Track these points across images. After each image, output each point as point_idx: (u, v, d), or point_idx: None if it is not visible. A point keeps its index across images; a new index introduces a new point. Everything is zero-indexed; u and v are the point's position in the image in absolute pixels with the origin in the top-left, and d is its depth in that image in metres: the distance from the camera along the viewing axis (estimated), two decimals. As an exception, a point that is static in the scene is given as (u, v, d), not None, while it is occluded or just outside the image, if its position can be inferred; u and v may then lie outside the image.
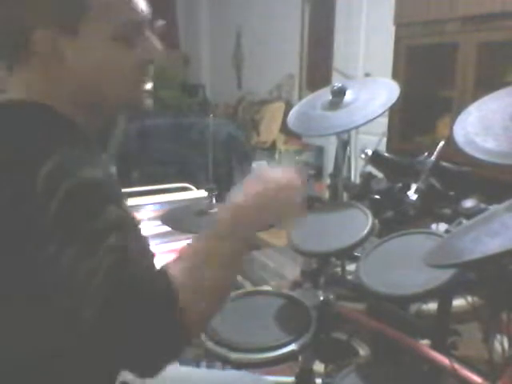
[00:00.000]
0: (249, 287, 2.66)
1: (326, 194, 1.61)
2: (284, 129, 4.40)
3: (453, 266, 0.87)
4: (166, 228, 1.67)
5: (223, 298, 0.69)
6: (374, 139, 1.65)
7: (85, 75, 0.70)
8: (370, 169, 1.45)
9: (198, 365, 1.65)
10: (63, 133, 0.68)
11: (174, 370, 1.07)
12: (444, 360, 1.03)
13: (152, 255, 0.65)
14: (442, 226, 1.20)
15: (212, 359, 1.57)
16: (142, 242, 0.65)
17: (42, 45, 0.67)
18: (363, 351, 1.64)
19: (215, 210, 1.57)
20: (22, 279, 0.61)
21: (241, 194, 0.72)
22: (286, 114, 4.12)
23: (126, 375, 0.84)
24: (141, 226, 0.68)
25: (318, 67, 4.35)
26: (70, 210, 0.58)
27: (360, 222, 1.18)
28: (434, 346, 1.12)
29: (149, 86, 0.80)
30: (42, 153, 0.61)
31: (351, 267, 1.34)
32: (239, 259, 0.68)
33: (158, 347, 0.60)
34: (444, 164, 1.29)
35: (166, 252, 2.32)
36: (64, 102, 0.70)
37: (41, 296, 0.61)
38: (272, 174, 0.74)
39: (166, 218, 1.67)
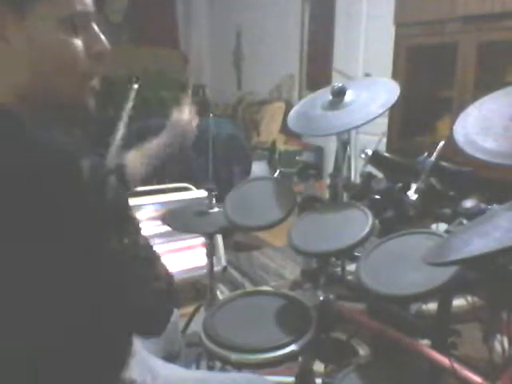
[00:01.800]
0: (249, 287, 2.66)
1: (326, 194, 1.61)
2: (284, 129, 4.40)
3: (442, 265, 0.87)
4: (166, 228, 1.67)
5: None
6: (373, 139, 1.65)
7: (29, 62, 0.68)
8: (370, 169, 1.45)
9: (198, 365, 1.65)
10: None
11: (187, 373, 1.08)
12: (444, 360, 1.03)
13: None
14: (442, 226, 1.20)
15: (212, 359, 1.58)
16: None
17: None
18: (363, 351, 1.64)
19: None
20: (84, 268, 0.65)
21: None
22: (286, 114, 4.13)
23: (133, 372, 0.84)
24: None
25: (318, 67, 4.35)
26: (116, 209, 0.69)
27: (360, 222, 1.18)
28: (434, 346, 1.12)
29: (95, 83, 0.76)
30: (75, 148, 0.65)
31: (351, 267, 1.34)
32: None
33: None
34: (444, 164, 1.29)
35: (166, 252, 2.32)
36: (8, 94, 0.68)
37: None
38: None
39: (166, 218, 1.67)
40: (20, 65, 0.67)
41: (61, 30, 0.68)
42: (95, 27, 0.74)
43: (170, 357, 1.19)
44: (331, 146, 3.84)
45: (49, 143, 0.64)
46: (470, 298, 1.10)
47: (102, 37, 0.74)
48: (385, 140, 2.64)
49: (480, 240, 0.70)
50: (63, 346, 0.68)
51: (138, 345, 0.97)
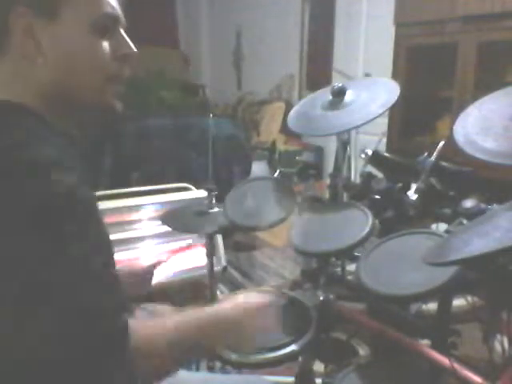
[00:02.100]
0: (249, 287, 2.66)
1: (326, 194, 1.61)
2: (284, 129, 4.40)
3: (442, 265, 0.87)
4: (166, 228, 1.67)
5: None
6: (373, 139, 1.65)
7: (59, 66, 0.68)
8: (370, 169, 1.45)
9: (198, 365, 1.65)
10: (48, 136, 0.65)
11: (188, 374, 1.07)
12: (444, 360, 1.03)
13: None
14: (442, 226, 1.20)
15: (212, 359, 1.58)
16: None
17: (19, 26, 0.65)
18: (363, 351, 1.64)
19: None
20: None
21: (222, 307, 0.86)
22: (286, 114, 4.13)
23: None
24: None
25: (318, 67, 4.35)
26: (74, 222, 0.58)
27: (360, 222, 1.18)
28: (434, 346, 1.12)
29: (121, 87, 0.77)
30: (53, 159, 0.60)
31: (351, 267, 1.34)
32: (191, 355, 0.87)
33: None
34: (444, 164, 1.29)
35: (166, 252, 2.32)
36: (34, 97, 0.68)
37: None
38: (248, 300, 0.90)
39: (166, 218, 1.67)
40: (47, 65, 0.67)
41: (89, 33, 0.69)
42: (122, 30, 0.75)
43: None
44: (331, 146, 3.84)
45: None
46: (470, 298, 1.10)
47: (128, 40, 0.75)
48: (385, 140, 2.64)
49: (480, 240, 0.70)
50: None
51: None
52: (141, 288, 1.19)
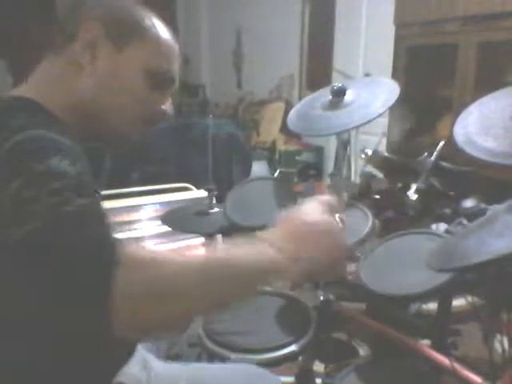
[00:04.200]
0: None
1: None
2: (284, 129, 4.40)
3: (459, 270, 0.87)
4: (166, 228, 1.67)
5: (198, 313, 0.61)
6: (373, 139, 1.65)
7: (101, 86, 0.73)
8: (370, 169, 1.45)
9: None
10: (46, 122, 0.66)
11: (184, 367, 1.07)
12: (444, 360, 1.03)
13: (109, 226, 0.56)
14: (442, 226, 1.19)
15: (212, 359, 1.58)
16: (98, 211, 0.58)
17: (87, 36, 0.71)
18: (363, 351, 1.64)
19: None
20: None
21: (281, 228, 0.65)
22: (286, 114, 4.13)
23: (122, 376, 0.84)
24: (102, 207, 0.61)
25: (318, 67, 4.35)
26: (19, 151, 0.56)
27: (360, 221, 1.18)
28: (434, 346, 1.12)
29: (148, 130, 0.83)
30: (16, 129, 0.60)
31: (351, 267, 1.33)
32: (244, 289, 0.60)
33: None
34: (444, 164, 1.29)
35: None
36: (63, 102, 0.72)
37: None
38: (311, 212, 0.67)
39: (165, 218, 1.67)
40: (92, 79, 0.73)
41: (142, 76, 0.75)
42: (169, 95, 0.82)
43: (171, 358, 1.19)
44: (331, 146, 3.85)
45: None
46: (470, 298, 1.10)
47: (171, 104, 0.82)
48: (385, 140, 2.64)
49: (497, 240, 0.69)
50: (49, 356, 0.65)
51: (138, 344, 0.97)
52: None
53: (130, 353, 0.87)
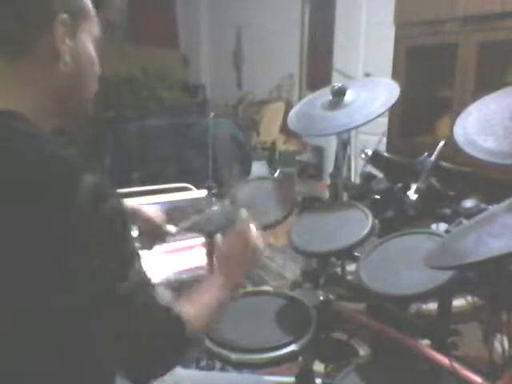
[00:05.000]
0: (249, 287, 2.66)
1: (326, 194, 1.61)
2: (284, 129, 4.40)
3: (456, 268, 0.87)
4: (166, 228, 1.67)
5: (214, 322, 0.88)
6: (373, 139, 1.65)
7: (75, 73, 0.72)
8: (370, 169, 1.45)
9: (198, 365, 1.65)
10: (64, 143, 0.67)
11: (185, 373, 1.07)
12: (444, 360, 1.03)
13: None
14: (442, 226, 1.19)
15: (212, 359, 1.58)
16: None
17: (59, 32, 0.68)
18: (363, 351, 1.63)
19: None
20: (59, 289, 0.63)
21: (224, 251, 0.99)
22: (286, 114, 4.13)
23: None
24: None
25: (318, 67, 4.35)
26: (110, 231, 0.64)
27: (360, 221, 1.18)
28: (434, 346, 1.12)
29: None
30: (72, 168, 0.63)
31: (351, 267, 1.33)
32: (227, 300, 0.90)
33: (165, 357, 0.74)
34: (444, 164, 1.29)
35: (165, 252, 2.32)
36: (42, 108, 0.70)
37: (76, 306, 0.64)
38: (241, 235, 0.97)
39: (166, 218, 1.67)
40: (69, 72, 0.71)
41: (92, 44, 0.76)
42: None
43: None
44: (331, 146, 3.84)
45: (53, 153, 0.64)
46: (470, 298, 1.10)
47: None
48: (385, 140, 2.64)
49: (495, 241, 0.70)
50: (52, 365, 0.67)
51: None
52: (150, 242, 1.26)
53: None
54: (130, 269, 0.67)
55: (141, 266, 0.70)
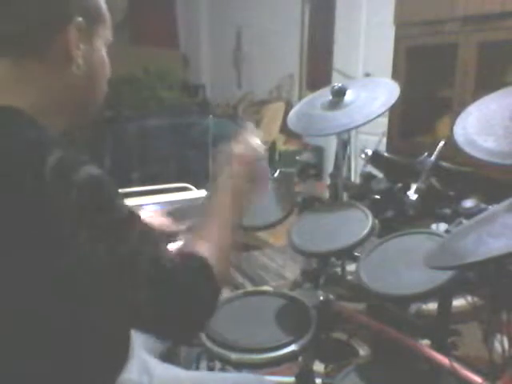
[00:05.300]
0: (249, 287, 2.66)
1: (326, 194, 1.61)
2: (284, 129, 4.40)
3: (455, 268, 0.87)
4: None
5: (231, 254, 0.83)
6: (373, 139, 1.65)
7: (88, 76, 0.73)
8: (370, 169, 1.45)
9: (198, 365, 1.65)
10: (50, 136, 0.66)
11: (185, 374, 1.07)
12: (444, 360, 1.03)
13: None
14: (442, 226, 1.19)
15: (212, 359, 1.58)
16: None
17: (73, 36, 0.68)
18: (363, 351, 1.64)
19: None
20: (52, 269, 0.61)
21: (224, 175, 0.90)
22: (286, 114, 4.13)
23: (131, 373, 0.84)
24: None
25: (318, 67, 4.35)
26: (89, 202, 0.61)
27: (360, 221, 1.18)
28: (434, 346, 1.12)
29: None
30: (42, 151, 0.60)
31: (351, 267, 1.33)
32: (238, 224, 0.87)
33: (202, 307, 0.71)
34: (444, 164, 1.29)
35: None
36: (50, 109, 0.70)
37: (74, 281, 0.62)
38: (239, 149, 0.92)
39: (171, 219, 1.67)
40: (82, 74, 0.72)
41: (104, 51, 0.76)
42: None
43: (169, 356, 1.19)
44: (331, 146, 3.84)
45: (17, 133, 0.62)
46: (470, 298, 1.10)
47: None
48: (385, 140, 2.64)
49: (495, 241, 0.70)
50: (57, 351, 0.67)
51: (137, 344, 0.97)
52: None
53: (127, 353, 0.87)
54: (128, 231, 0.64)
55: (142, 227, 0.67)
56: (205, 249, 0.75)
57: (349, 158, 2.44)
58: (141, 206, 2.31)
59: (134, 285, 0.63)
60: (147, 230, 0.68)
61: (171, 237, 1.29)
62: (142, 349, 1.02)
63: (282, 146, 4.43)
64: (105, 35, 0.75)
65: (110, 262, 0.61)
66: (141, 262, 0.63)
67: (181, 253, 0.74)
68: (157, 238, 0.70)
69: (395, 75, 2.66)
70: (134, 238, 0.64)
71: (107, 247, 0.61)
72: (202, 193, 2.10)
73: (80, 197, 0.59)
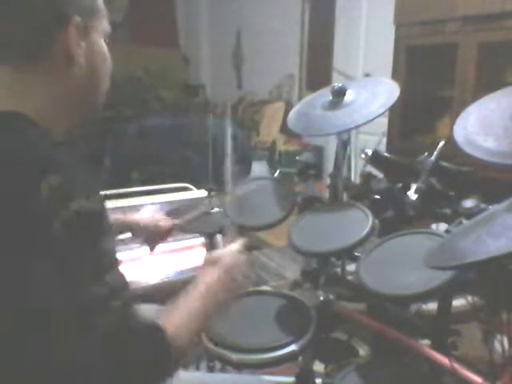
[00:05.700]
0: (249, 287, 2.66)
1: (326, 194, 1.61)
2: (284, 129, 4.40)
3: (455, 268, 0.87)
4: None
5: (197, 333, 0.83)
6: (373, 139, 1.65)
7: (87, 81, 0.73)
8: (370, 169, 1.45)
9: (198, 365, 1.65)
10: (51, 147, 0.65)
11: (185, 375, 1.07)
12: (444, 360, 1.03)
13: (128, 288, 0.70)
14: (442, 226, 1.19)
15: (212, 360, 1.58)
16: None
17: (72, 35, 0.67)
18: (363, 351, 1.64)
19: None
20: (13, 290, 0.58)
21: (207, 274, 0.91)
22: (286, 114, 4.13)
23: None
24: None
25: (318, 67, 4.35)
26: (70, 239, 0.59)
27: (360, 221, 1.18)
28: (434, 346, 1.12)
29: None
30: (38, 174, 0.59)
31: (351, 267, 1.34)
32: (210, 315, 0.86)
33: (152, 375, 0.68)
34: (444, 164, 1.29)
35: (165, 252, 2.32)
36: (55, 112, 0.70)
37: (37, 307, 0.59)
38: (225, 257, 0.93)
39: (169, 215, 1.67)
40: (84, 73, 0.71)
41: (103, 43, 0.75)
42: None
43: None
44: (331, 146, 3.84)
45: (17, 141, 0.61)
46: (470, 298, 1.10)
47: None
48: (385, 140, 2.64)
49: (495, 241, 0.70)
50: None
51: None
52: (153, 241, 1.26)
53: None
54: (100, 278, 0.60)
55: (116, 276, 0.64)
56: (173, 322, 0.73)
57: (349, 158, 2.43)
58: (141, 205, 2.32)
59: (84, 336, 0.59)
60: (123, 282, 0.66)
61: (168, 233, 1.30)
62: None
63: (282, 146, 4.43)
64: (103, 28, 0.74)
65: (68, 306, 0.58)
66: (102, 317, 0.60)
67: (147, 323, 0.69)
68: (130, 296, 0.66)
69: (395, 75, 2.66)
70: (105, 290, 0.60)
71: (73, 289, 0.58)
72: (202, 193, 2.10)
73: (63, 231, 0.57)
